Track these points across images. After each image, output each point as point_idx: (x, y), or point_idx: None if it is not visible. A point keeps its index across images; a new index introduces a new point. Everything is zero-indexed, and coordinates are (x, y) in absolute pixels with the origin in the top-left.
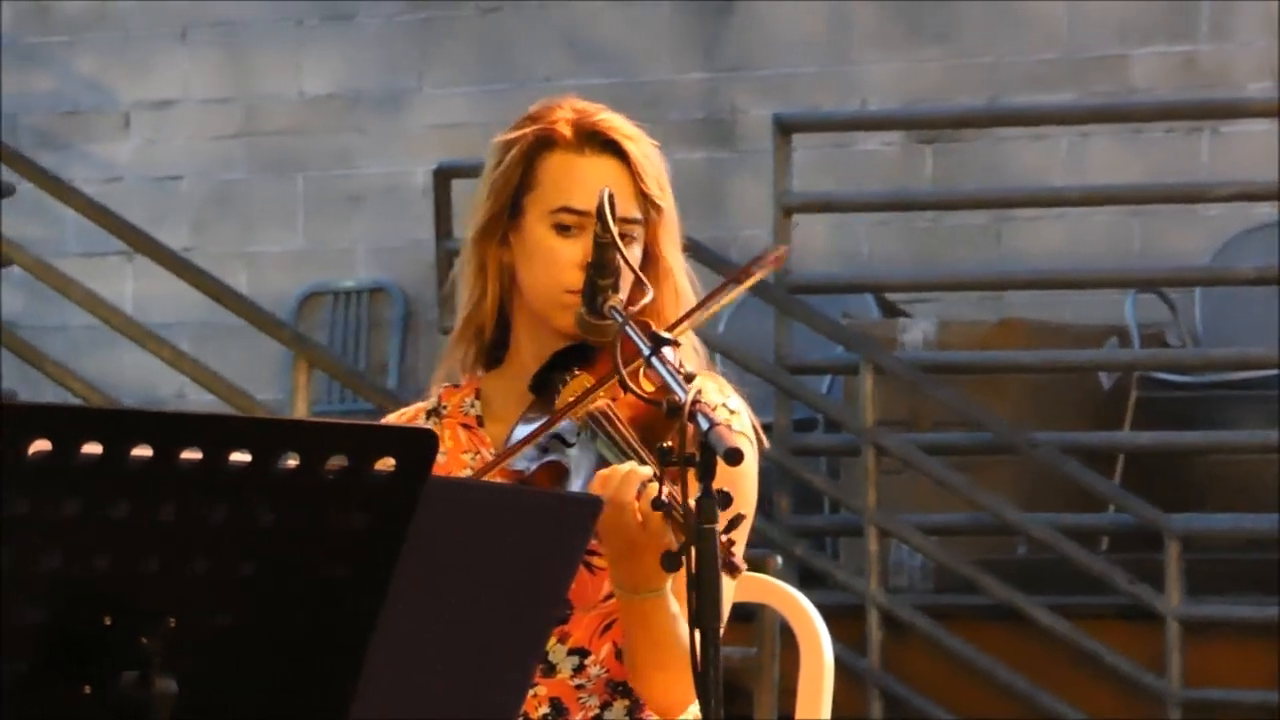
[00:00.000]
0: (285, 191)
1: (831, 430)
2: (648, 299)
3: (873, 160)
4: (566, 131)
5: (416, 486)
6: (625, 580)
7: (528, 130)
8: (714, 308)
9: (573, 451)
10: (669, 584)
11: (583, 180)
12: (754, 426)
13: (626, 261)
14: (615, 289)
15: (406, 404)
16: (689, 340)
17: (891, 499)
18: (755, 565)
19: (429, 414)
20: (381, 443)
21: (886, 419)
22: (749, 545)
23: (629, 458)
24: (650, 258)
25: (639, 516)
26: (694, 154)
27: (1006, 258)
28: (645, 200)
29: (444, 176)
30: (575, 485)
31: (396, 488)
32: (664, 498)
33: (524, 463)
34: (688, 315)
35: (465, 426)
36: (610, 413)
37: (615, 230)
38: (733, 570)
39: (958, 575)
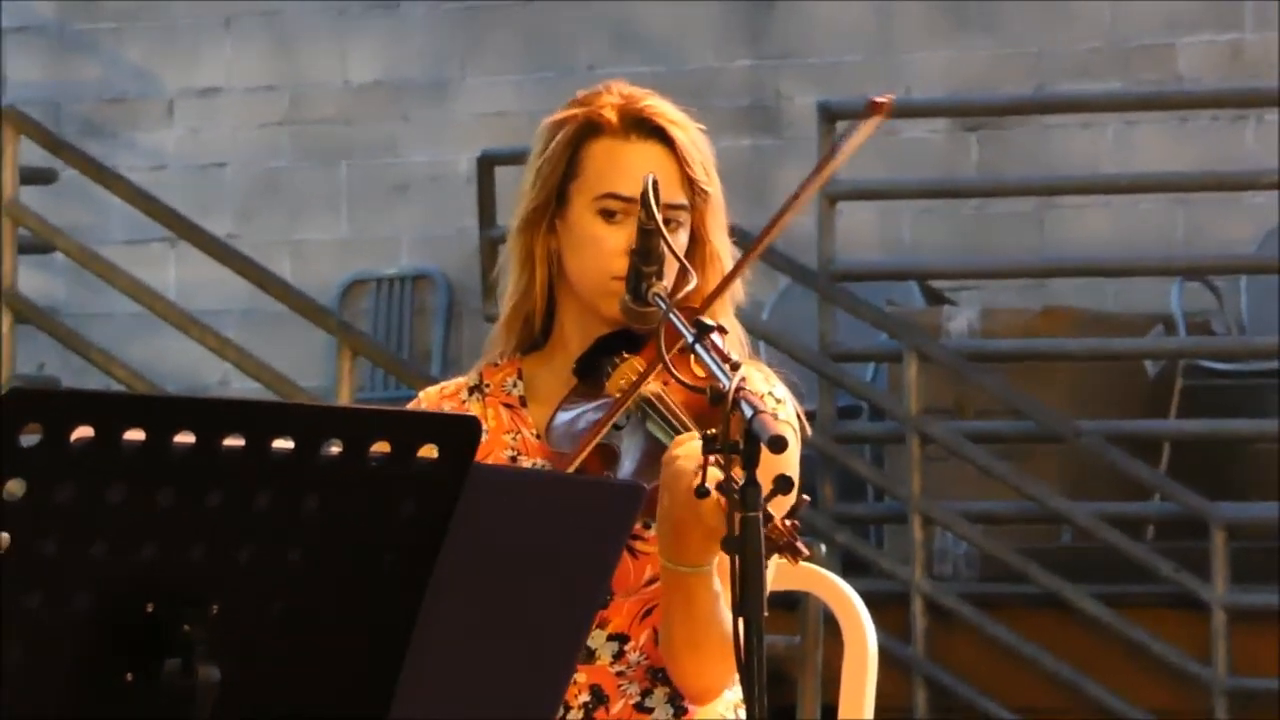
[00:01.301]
0: (330, 179)
1: (876, 418)
2: (691, 285)
3: (918, 148)
4: (612, 117)
5: (460, 474)
6: (673, 552)
7: (573, 116)
8: (759, 249)
9: (622, 434)
10: (714, 562)
11: (628, 167)
12: (798, 415)
13: (670, 248)
14: (659, 276)
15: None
16: (734, 330)
17: (936, 487)
18: None
19: (471, 390)
20: (425, 430)
21: (931, 407)
22: None
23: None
24: (696, 243)
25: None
26: (739, 141)
27: (1051, 246)
28: (691, 186)
29: (487, 164)
30: (625, 468)
31: (440, 475)
32: (706, 484)
33: (570, 445)
34: (729, 279)
35: (507, 406)
36: (663, 394)
37: (659, 217)
38: (796, 555)
39: (1002, 563)
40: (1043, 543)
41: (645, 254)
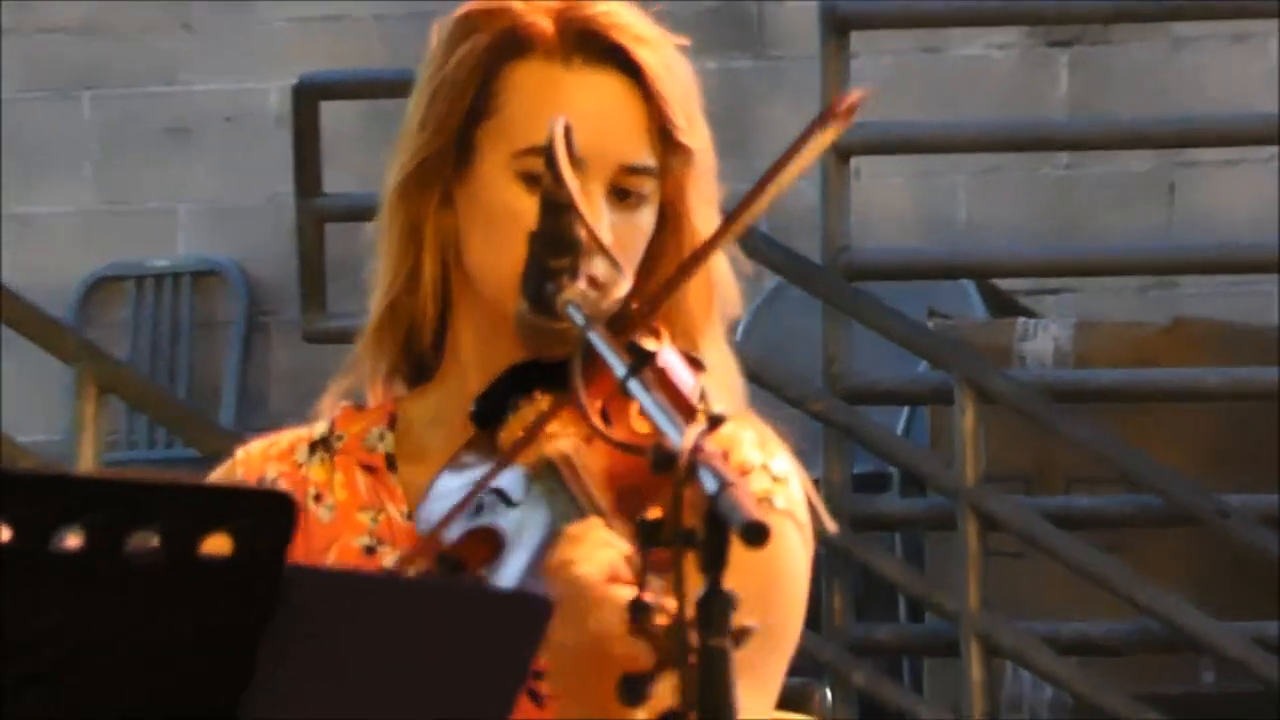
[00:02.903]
0: (67, 121)
1: (911, 490)
2: (621, 289)
3: (976, 74)
4: (547, 27)
5: (266, 580)
6: (576, 705)
7: (486, 16)
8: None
9: (515, 514)
10: None
11: (569, 106)
12: (809, 501)
13: (591, 229)
14: (573, 273)
15: (247, 441)
16: (724, 366)
17: (1005, 596)
18: (792, 700)
19: (315, 446)
20: (207, 513)
21: (997, 473)
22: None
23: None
24: (670, 225)
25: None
26: (705, 63)
27: (1183, 224)
28: (665, 139)
29: (310, 96)
30: (512, 565)
31: (235, 581)
32: (645, 599)
33: (450, 529)
34: (678, 275)
35: (368, 469)
36: (574, 458)
37: (573, 183)
38: (685, 649)
39: (1109, 714)
40: (1171, 682)
41: (553, 240)
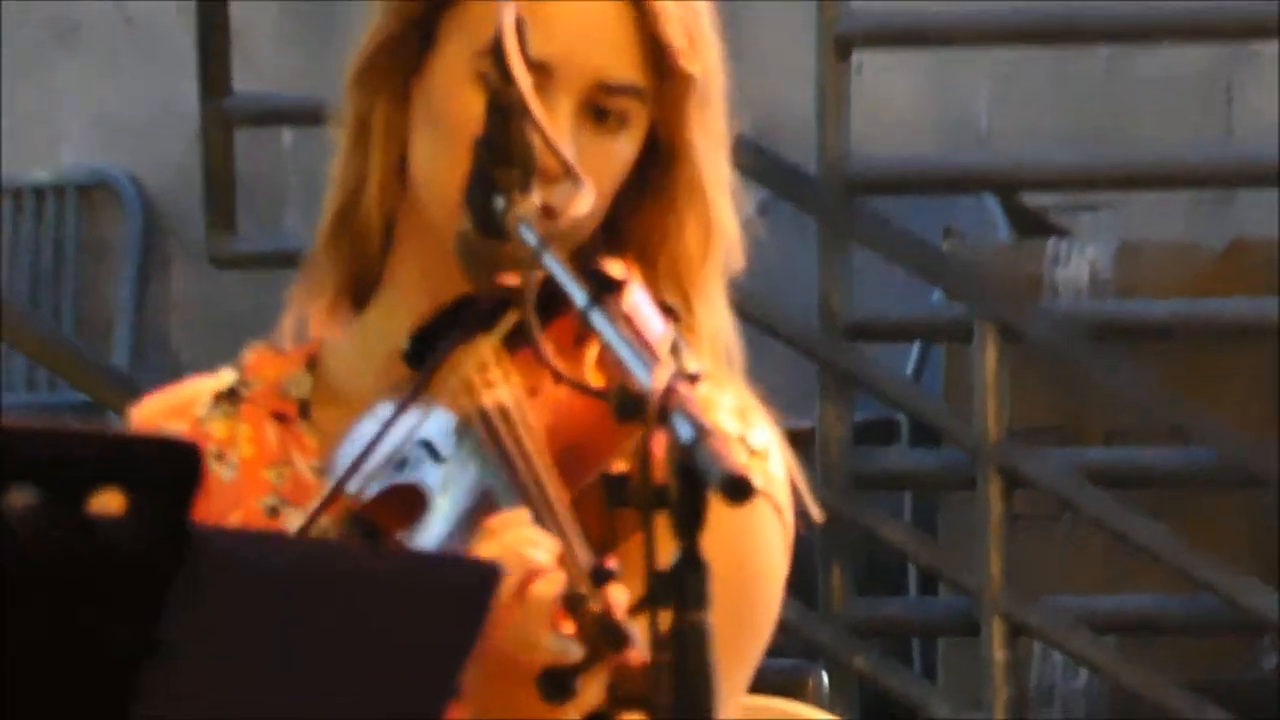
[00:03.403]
0: None
1: (924, 442)
2: (584, 205)
3: None
4: None
5: (168, 543)
6: (486, 701)
7: None
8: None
9: (441, 471)
10: None
11: (543, 5)
12: (790, 482)
13: (545, 136)
14: (525, 187)
15: (148, 389)
16: (716, 322)
17: (1032, 569)
18: (783, 685)
19: (220, 398)
20: (96, 464)
21: (1023, 425)
22: (768, 654)
23: (524, 493)
24: (666, 161)
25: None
26: None
27: (1242, 130)
28: (657, 57)
29: None
30: (432, 531)
31: (131, 544)
32: (579, 590)
33: (369, 484)
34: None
35: (279, 419)
36: (513, 412)
37: (525, 80)
38: (616, 640)
39: (1153, 704)
40: (1226, 668)
41: (499, 147)
